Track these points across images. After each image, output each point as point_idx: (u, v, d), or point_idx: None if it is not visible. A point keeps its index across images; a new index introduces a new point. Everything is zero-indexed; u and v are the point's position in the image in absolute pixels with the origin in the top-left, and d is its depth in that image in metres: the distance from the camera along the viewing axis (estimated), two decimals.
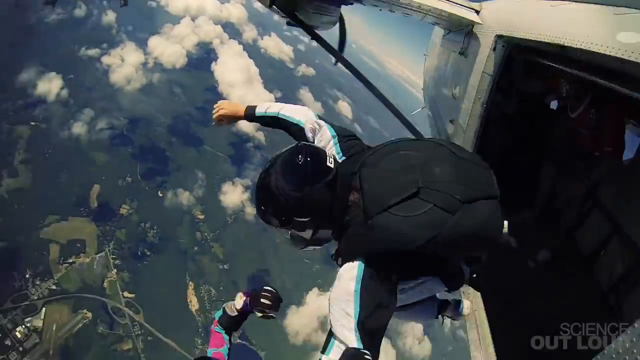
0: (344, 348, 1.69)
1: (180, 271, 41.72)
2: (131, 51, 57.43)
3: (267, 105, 2.67)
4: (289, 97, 70.06)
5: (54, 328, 35.31)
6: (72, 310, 36.73)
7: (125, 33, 60.17)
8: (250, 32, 76.33)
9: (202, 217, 46.60)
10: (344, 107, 79.07)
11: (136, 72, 55.86)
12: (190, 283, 41.42)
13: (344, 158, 2.14)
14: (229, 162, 53.08)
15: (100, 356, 35.49)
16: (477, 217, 1.88)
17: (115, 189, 44.33)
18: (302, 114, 2.54)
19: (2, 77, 45.16)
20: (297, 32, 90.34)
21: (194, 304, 40.35)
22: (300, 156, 1.88)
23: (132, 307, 38.31)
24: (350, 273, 1.84)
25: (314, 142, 2.31)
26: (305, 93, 73.52)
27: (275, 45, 77.90)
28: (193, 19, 67.59)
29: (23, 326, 34.46)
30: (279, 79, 72.12)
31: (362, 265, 1.84)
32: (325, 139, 2.27)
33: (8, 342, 33.52)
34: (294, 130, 2.52)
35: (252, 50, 72.06)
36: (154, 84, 57.35)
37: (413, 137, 2.45)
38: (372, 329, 1.76)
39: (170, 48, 60.67)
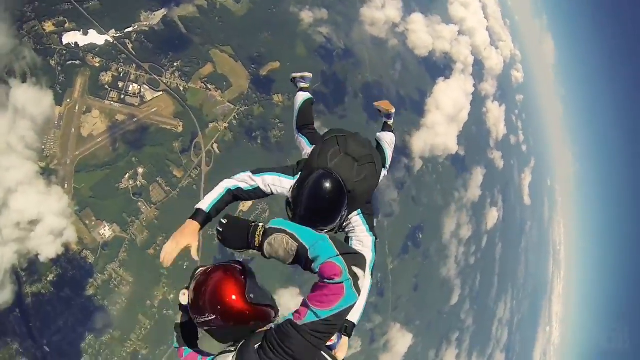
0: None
1: None
2: (395, 6, 58.59)
3: (208, 197, 3.23)
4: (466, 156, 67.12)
5: (153, 109, 37.01)
6: (173, 114, 38.04)
7: None
8: (489, 87, 74.21)
9: None
10: (492, 216, 73.56)
11: (384, 23, 56.76)
12: None
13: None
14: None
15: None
16: None
17: (284, 79, 44.88)
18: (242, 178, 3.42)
19: None
20: (521, 130, 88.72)
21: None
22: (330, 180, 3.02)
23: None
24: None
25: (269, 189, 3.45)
26: (477, 175, 69.41)
27: (497, 117, 75.07)
28: (459, 33, 67.31)
29: (138, 86, 37.04)
30: (472, 141, 69.09)
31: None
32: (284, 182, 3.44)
33: (120, 84, 36.43)
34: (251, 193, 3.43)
35: (478, 101, 69.77)
36: (388, 45, 58.01)
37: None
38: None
39: (424, 35, 60.91)
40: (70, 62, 35.00)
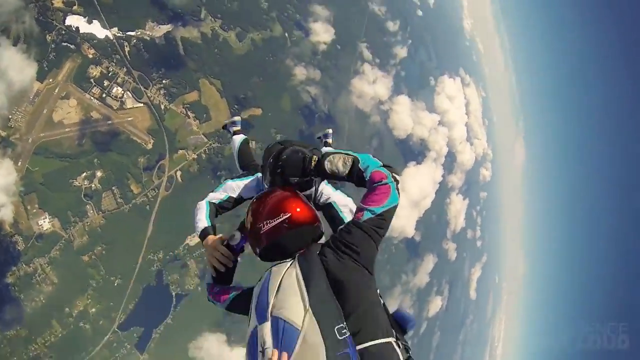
0: None
1: None
2: (385, 84, 61.80)
3: (199, 217, 3.57)
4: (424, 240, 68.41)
5: (129, 118, 37.59)
6: (147, 129, 38.34)
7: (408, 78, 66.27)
8: (457, 179, 77.01)
9: None
10: (435, 304, 74.36)
11: (370, 98, 59.30)
12: None
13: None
14: None
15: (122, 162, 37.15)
16: None
17: (263, 127, 44.35)
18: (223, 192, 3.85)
19: None
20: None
21: None
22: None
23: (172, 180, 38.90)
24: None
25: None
26: (429, 262, 70.59)
27: (458, 209, 77.68)
28: (439, 123, 70.76)
29: (122, 91, 37.47)
30: (430, 228, 70.64)
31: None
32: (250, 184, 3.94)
33: (106, 83, 36.83)
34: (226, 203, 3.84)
35: (443, 191, 72.29)
36: (369, 120, 60.40)
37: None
38: None
39: (406, 117, 63.65)
40: (65, 43, 35.30)
